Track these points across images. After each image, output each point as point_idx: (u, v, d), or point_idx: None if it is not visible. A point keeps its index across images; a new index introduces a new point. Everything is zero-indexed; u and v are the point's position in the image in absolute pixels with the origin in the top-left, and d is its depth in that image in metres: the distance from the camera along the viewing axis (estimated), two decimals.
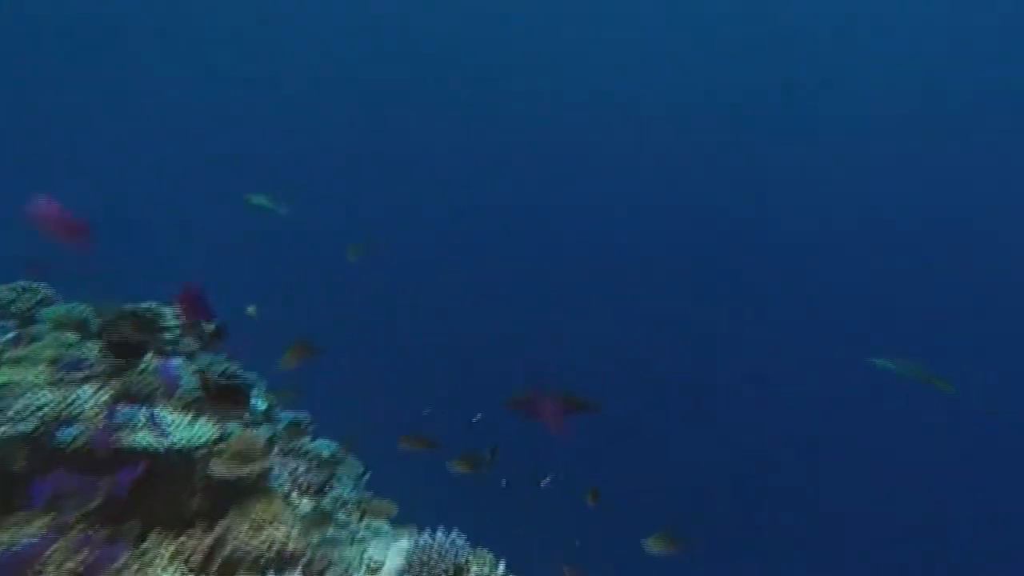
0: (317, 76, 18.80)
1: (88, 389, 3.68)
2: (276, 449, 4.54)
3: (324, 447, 4.98)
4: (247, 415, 4.61)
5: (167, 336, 4.62)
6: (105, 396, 3.75)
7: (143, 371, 4.20)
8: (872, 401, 13.27)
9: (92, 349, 4.10)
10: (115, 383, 4.00)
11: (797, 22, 15.11)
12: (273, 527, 3.61)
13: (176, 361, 4.64)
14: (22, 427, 3.20)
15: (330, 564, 3.94)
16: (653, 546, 4.05)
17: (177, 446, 3.69)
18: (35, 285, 4.09)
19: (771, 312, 14.30)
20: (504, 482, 4.31)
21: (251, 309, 5.53)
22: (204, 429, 3.97)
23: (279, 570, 3.63)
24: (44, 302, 4.07)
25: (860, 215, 15.39)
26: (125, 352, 3.13)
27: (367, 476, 5.32)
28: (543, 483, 4.24)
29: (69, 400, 3.48)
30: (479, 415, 4.28)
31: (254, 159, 17.41)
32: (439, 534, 3.85)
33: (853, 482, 12.28)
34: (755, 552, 10.73)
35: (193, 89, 18.51)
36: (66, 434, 3.32)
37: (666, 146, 16.62)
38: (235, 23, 17.80)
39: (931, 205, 14.75)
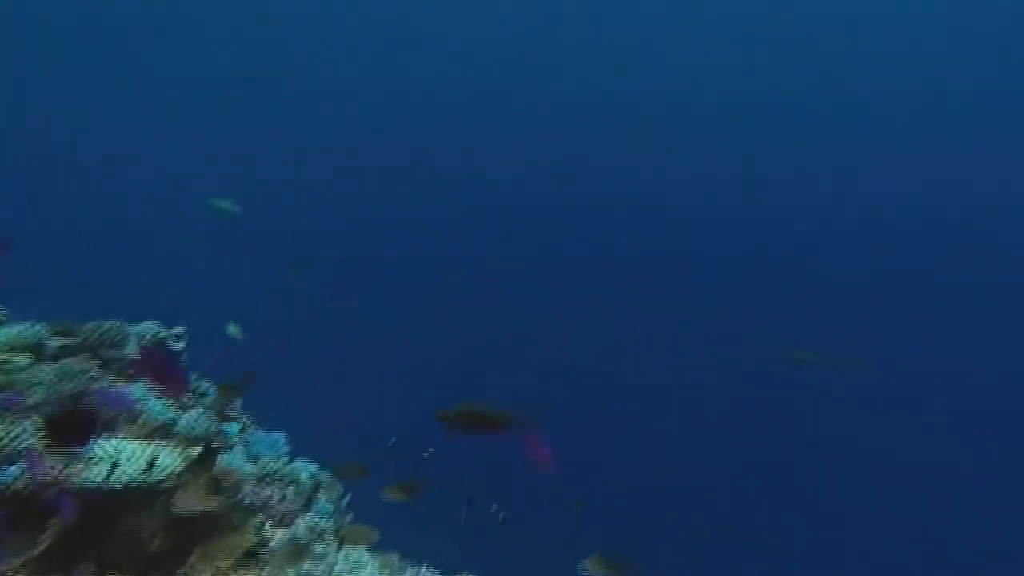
0: (317, 77, 18.35)
1: (37, 421, 3.35)
2: (248, 476, 4.21)
3: (301, 469, 4.65)
4: (216, 439, 4.28)
5: (132, 355, 4.30)
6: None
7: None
8: (872, 401, 12.97)
9: (47, 374, 3.77)
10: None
11: (798, 22, 14.72)
12: (239, 574, 3.28)
13: (139, 383, 4.32)
14: None
15: None
16: (590, 568, 3.74)
17: (136, 482, 3.37)
18: None
19: (770, 311, 13.96)
20: (502, 517, 4.01)
21: (234, 329, 5.21)
22: (168, 460, 3.65)
23: None
24: None
25: (859, 215, 15.02)
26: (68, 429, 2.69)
27: (347, 498, 4.99)
28: (502, 517, 3.91)
29: (12, 435, 3.15)
30: (430, 449, 3.98)
31: (255, 161, 16.99)
32: None
33: (853, 482, 12.00)
34: (755, 552, 10.46)
35: (192, 90, 18.06)
36: (7, 475, 2.99)
37: (659, 147, 16.18)
38: (234, 23, 17.36)
39: (931, 206, 14.36)
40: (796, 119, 15.82)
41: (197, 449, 4.07)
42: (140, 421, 3.89)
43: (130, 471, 3.34)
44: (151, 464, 3.47)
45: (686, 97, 16.52)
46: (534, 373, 11.36)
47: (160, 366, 2.95)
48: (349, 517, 4.96)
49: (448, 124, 17.73)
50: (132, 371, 3.44)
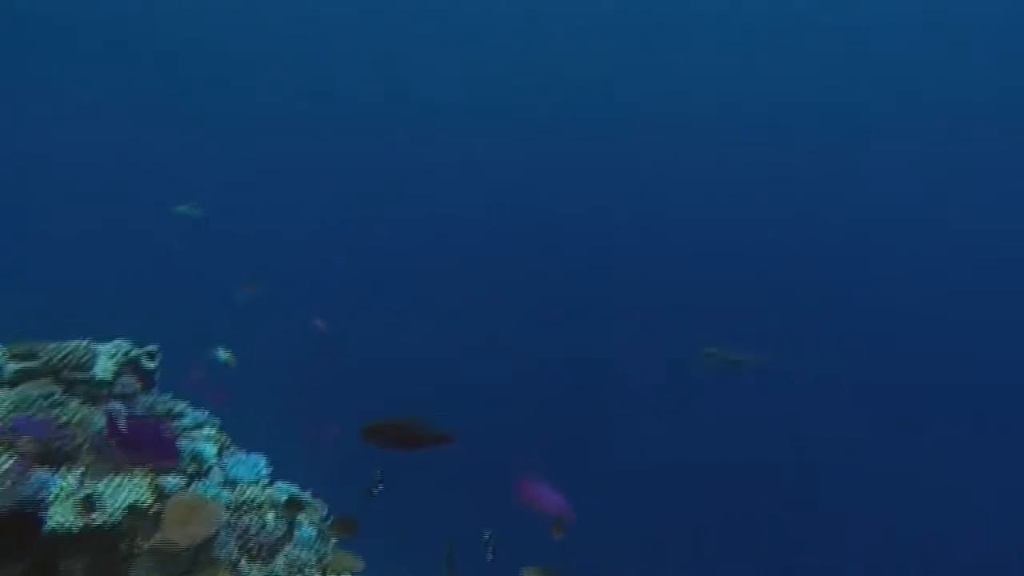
0: (316, 80, 17.36)
1: None
2: (225, 503, 3.88)
3: (283, 493, 4.32)
4: (192, 466, 3.96)
5: (99, 376, 3.96)
6: (8, 462, 3.08)
7: (65, 423, 3.54)
8: (873, 401, 12.79)
9: (3, 401, 3.43)
10: (27, 440, 3.34)
11: (796, 22, 14.36)
12: None
13: (115, 405, 3.98)
14: None
15: None
16: None
17: (95, 523, 3.04)
18: None
19: (769, 309, 13.70)
20: (489, 554, 3.75)
21: (225, 355, 4.88)
22: (133, 493, 3.33)
23: None
24: None
25: (851, 216, 14.77)
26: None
27: (331, 520, 4.68)
28: (490, 555, 3.64)
29: None
30: (380, 486, 3.77)
31: (229, 168, 16.06)
32: None
33: (854, 483, 11.83)
34: (755, 552, 10.29)
35: (191, 93, 17.00)
36: None
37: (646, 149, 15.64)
38: (216, 24, 16.41)
39: (929, 206, 14.11)
40: (788, 119, 15.50)
41: (168, 478, 3.76)
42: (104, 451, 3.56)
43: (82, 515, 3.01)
44: (112, 500, 3.15)
45: (664, 99, 15.97)
46: (523, 378, 11.06)
47: (144, 439, 2.61)
48: (334, 541, 4.66)
49: (421, 130, 16.75)
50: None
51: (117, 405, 3.95)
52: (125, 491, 3.29)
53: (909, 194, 14.26)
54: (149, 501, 3.31)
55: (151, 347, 4.26)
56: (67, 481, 3.15)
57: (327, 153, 15.72)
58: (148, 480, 3.52)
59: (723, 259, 14.23)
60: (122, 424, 2.59)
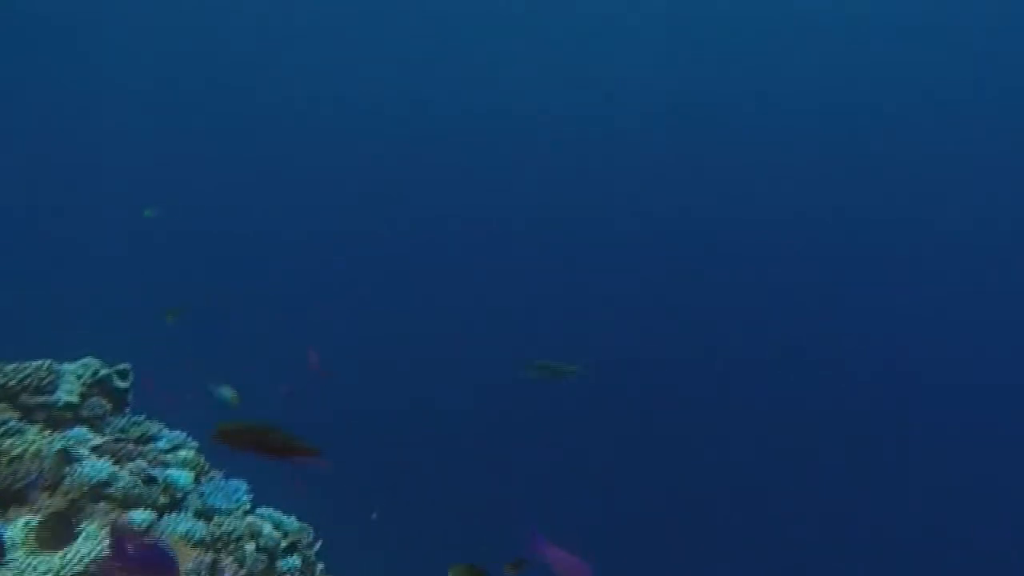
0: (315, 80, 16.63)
1: None
2: (198, 540, 3.45)
3: (265, 520, 3.89)
4: (163, 496, 3.52)
5: (64, 399, 3.52)
6: None
7: (16, 457, 3.10)
8: (873, 401, 12.43)
9: None
10: None
11: (791, 23, 13.94)
12: None
13: (76, 430, 3.54)
14: None
15: None
16: None
17: None
18: None
19: (769, 307, 13.31)
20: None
21: (228, 394, 4.45)
22: (90, 541, 2.89)
23: None
24: None
25: (845, 215, 14.40)
26: None
27: (318, 544, 4.25)
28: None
29: None
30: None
31: (257, 166, 15.46)
32: None
33: (854, 484, 11.49)
34: (755, 552, 9.95)
35: (192, 95, 16.29)
36: None
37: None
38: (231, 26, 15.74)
39: (930, 205, 13.74)
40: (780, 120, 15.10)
41: (136, 513, 3.33)
42: (64, 486, 3.12)
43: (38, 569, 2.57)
44: (66, 551, 2.71)
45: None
46: (523, 379, 10.62)
47: (140, 555, 2.18)
48: (321, 567, 4.25)
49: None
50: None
51: (81, 431, 3.52)
52: (81, 537, 2.86)
53: (908, 194, 13.88)
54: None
55: (123, 365, 3.82)
56: (14, 529, 2.70)
57: (326, 154, 15.22)
58: (111, 519, 3.09)
59: (723, 260, 13.85)
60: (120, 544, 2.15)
